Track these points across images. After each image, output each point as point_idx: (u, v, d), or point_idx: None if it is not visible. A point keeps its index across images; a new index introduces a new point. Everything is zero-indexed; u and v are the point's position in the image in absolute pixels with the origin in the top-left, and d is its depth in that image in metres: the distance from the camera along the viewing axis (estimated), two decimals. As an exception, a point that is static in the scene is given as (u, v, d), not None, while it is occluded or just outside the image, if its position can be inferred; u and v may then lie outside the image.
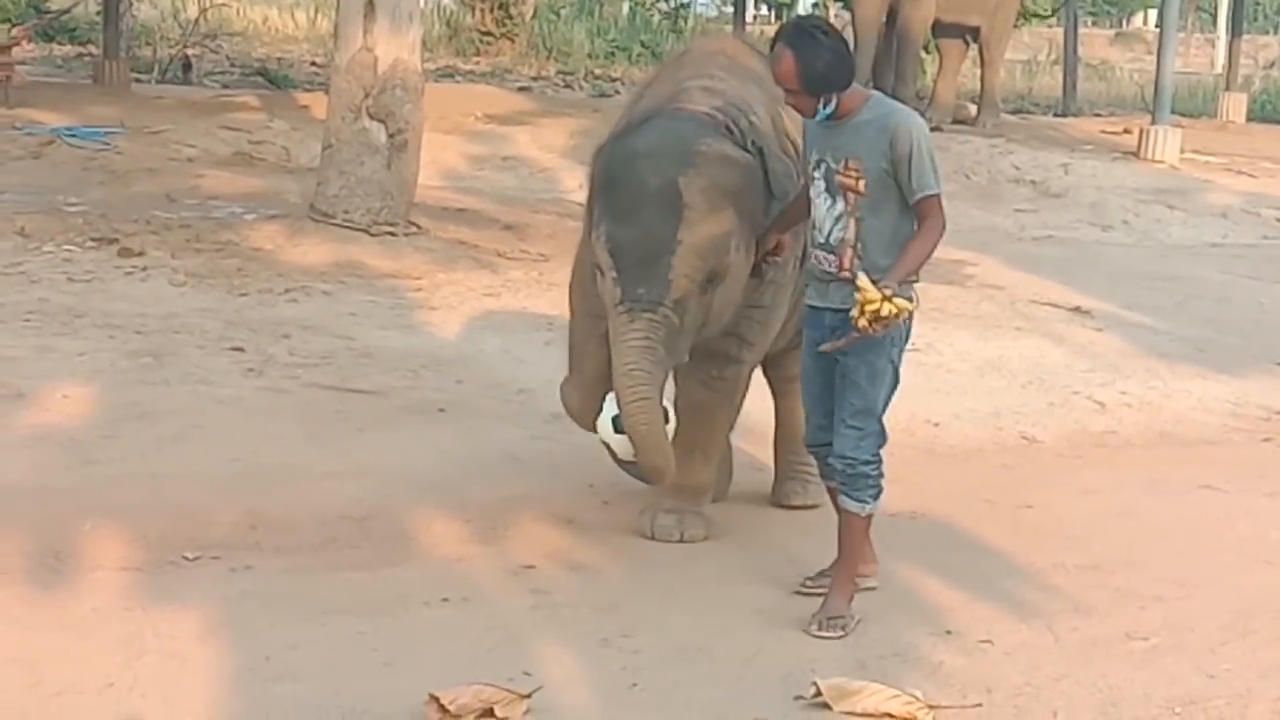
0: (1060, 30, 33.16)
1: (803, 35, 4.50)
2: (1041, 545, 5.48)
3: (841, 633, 4.54)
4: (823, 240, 4.61)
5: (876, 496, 4.69)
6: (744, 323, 5.10)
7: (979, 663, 4.45)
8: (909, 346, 4.76)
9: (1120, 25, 56.86)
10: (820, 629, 4.54)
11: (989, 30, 18.03)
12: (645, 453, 4.74)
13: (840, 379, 4.64)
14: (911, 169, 4.49)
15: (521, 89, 19.34)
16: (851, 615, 4.61)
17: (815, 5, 36.28)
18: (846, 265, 4.54)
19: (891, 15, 17.03)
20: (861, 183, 4.51)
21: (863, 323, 4.36)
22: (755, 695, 4.12)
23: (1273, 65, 35.58)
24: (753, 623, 4.62)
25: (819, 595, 4.73)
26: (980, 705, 4.11)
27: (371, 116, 9.63)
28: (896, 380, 4.73)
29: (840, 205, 4.55)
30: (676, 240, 4.70)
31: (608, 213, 4.80)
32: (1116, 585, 5.13)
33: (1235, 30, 23.82)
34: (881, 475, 4.70)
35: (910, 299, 4.48)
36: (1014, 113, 21.93)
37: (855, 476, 4.64)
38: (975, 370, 8.06)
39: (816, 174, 4.62)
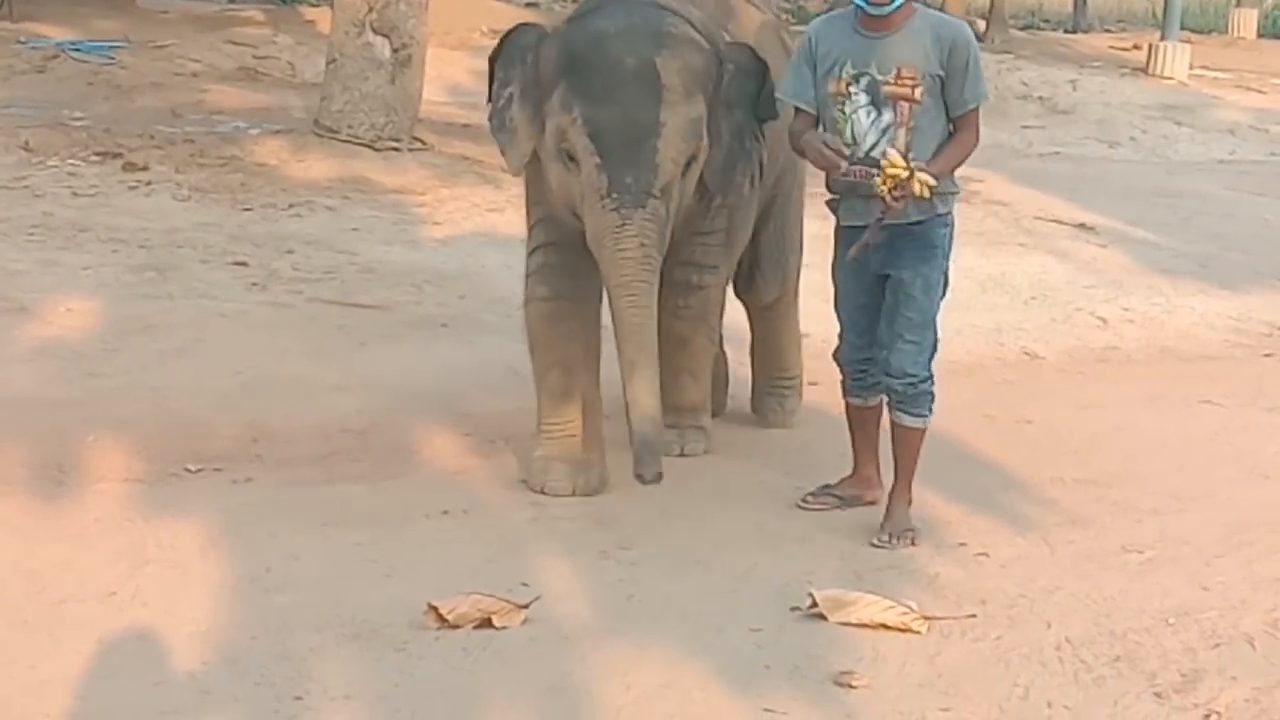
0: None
1: None
2: (1040, 459, 5.50)
3: (911, 545, 4.60)
4: (863, 155, 4.47)
5: (933, 408, 4.72)
6: (699, 250, 4.99)
7: (974, 575, 4.48)
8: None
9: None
10: (892, 541, 4.61)
11: (999, -54, 17.92)
12: (633, 343, 4.51)
13: (892, 295, 4.61)
14: (968, 78, 4.53)
15: (529, 4, 19.23)
16: (915, 527, 4.69)
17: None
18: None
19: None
20: (918, 90, 4.46)
21: (883, 189, 4.35)
22: (751, 606, 4.15)
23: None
24: (750, 536, 4.64)
25: (819, 510, 4.81)
26: (974, 616, 4.14)
27: (376, 31, 9.59)
28: (947, 288, 4.77)
29: (889, 116, 4.46)
30: (660, 122, 4.52)
31: (582, 95, 4.53)
32: (1114, 499, 5.15)
33: (1247, -56, 23.60)
34: (934, 384, 4.73)
35: (951, 191, 4.62)
36: (1024, 29, 21.86)
37: (917, 395, 4.65)
38: (978, 286, 8.05)
39: (854, 88, 4.48)
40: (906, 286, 4.59)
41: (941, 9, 18.20)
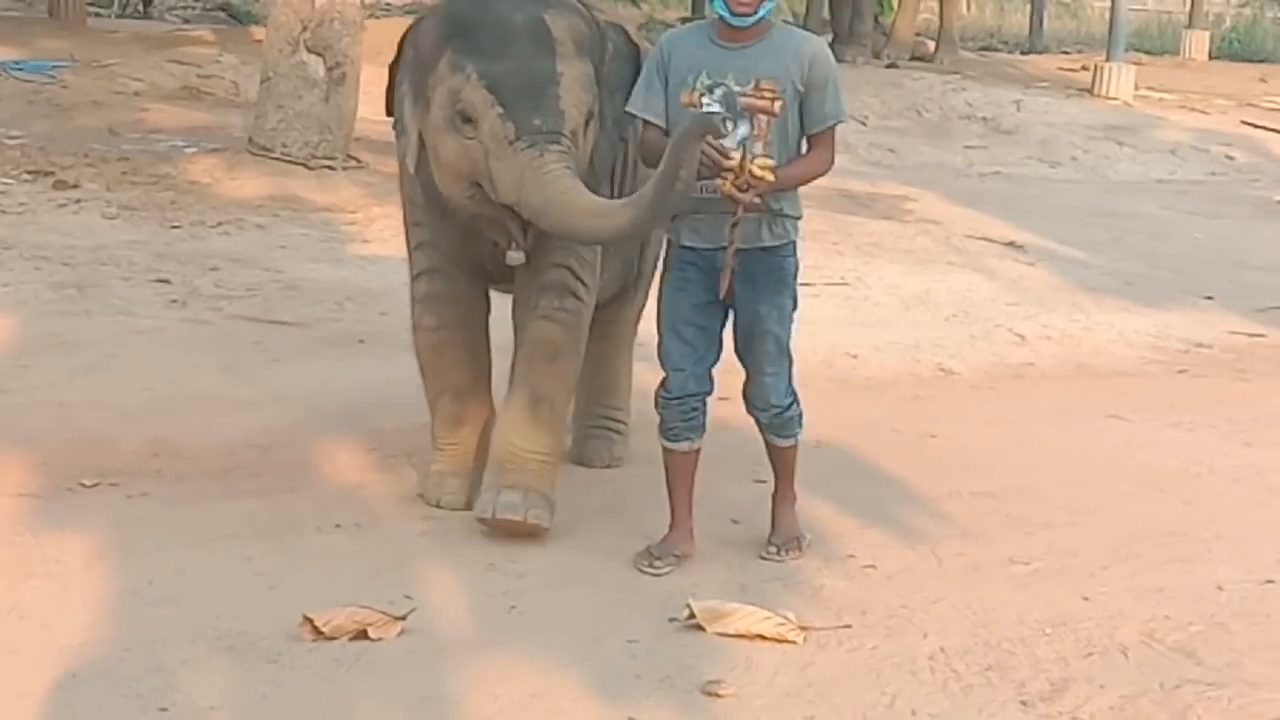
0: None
1: None
2: (941, 474, 5.54)
3: (800, 552, 4.62)
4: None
5: (802, 423, 4.69)
6: (572, 255, 4.70)
7: (860, 586, 4.52)
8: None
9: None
10: (781, 552, 4.61)
11: (948, -33, 18.04)
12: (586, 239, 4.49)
13: (746, 327, 4.50)
14: (828, 94, 4.42)
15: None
16: (804, 534, 4.71)
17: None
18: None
19: (849, -49, 17.07)
20: (777, 103, 4.34)
21: (726, 185, 4.25)
22: (632, 618, 4.18)
23: (1246, 4, 35.65)
24: (639, 548, 4.66)
25: (661, 575, 4.50)
26: (850, 626, 4.18)
27: (309, 50, 9.64)
28: (796, 308, 4.66)
29: (745, 129, 4.32)
30: (558, 71, 4.40)
31: (473, 52, 4.40)
32: (1008, 512, 5.20)
33: (1200, -33, 23.79)
34: (799, 403, 4.66)
35: (796, 215, 4.52)
36: (983, 49, 22.02)
37: (785, 421, 4.60)
38: (901, 304, 8.12)
39: (707, 99, 4.34)
40: (764, 321, 4.48)
41: (891, 29, 18.35)
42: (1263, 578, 4.71)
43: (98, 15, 17.66)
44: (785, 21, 23.11)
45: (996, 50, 22.44)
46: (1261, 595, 4.59)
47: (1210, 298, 8.69)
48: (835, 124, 4.48)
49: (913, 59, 17.78)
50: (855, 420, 6.14)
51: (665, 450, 4.61)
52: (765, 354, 4.51)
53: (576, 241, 4.62)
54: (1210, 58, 22.26)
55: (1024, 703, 3.83)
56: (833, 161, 4.60)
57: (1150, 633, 4.27)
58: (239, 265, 7.73)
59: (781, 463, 4.70)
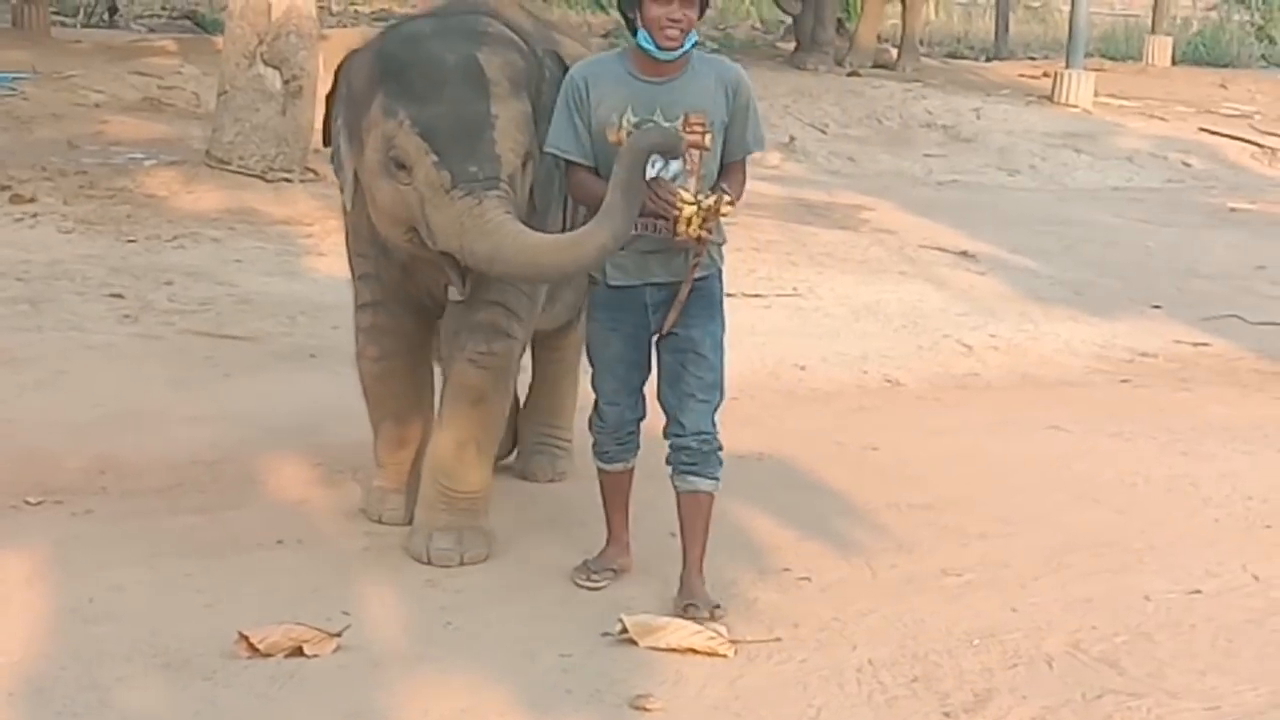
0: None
1: None
2: (880, 485, 5.62)
3: (711, 615, 4.32)
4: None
5: (721, 469, 4.46)
6: (510, 291, 4.61)
7: (793, 598, 4.59)
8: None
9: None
10: (713, 614, 4.34)
11: (910, -25, 18.14)
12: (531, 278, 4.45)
13: (677, 355, 4.39)
14: (749, 121, 4.35)
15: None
16: (718, 602, 4.42)
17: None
18: (684, 229, 4.22)
19: (811, -41, 17.18)
20: (708, 137, 4.25)
21: (689, 229, 4.16)
22: (567, 633, 4.24)
23: (1214, 7, 35.82)
24: (577, 562, 4.72)
25: (596, 589, 4.52)
26: (780, 639, 4.25)
27: (266, 63, 9.68)
28: (724, 332, 4.52)
29: (677, 164, 4.21)
30: (492, 114, 4.29)
31: (404, 96, 4.29)
32: (944, 523, 5.28)
33: (1162, -27, 23.90)
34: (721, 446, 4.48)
35: (722, 242, 4.43)
36: (949, 55, 22.09)
37: (709, 452, 4.40)
38: (851, 314, 8.19)
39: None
40: (697, 345, 4.36)
41: (852, 38, 18.44)
42: (1190, 588, 4.80)
43: (62, 25, 17.68)
44: (754, 28, 23.24)
45: (963, 56, 22.50)
46: (1188, 605, 4.67)
47: (1158, 306, 8.77)
48: (751, 153, 4.42)
49: (875, 66, 17.85)
50: (799, 432, 6.21)
51: (600, 471, 4.63)
52: (699, 379, 4.38)
53: (539, 282, 4.62)
54: (1174, 63, 22.37)
55: (947, 714, 3.91)
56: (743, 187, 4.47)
57: (1076, 643, 4.35)
58: (193, 279, 7.77)
59: (699, 515, 4.43)
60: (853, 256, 9.45)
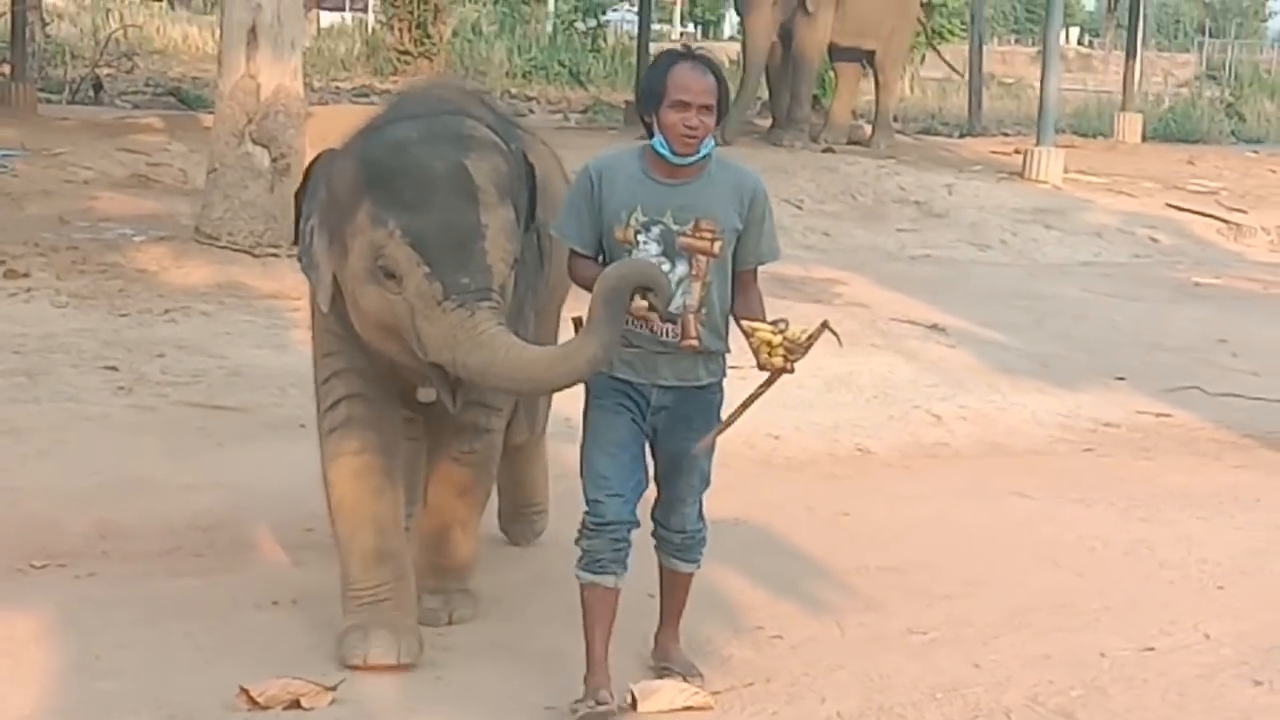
0: (986, 49, 33.82)
1: (712, 60, 4.32)
2: (850, 549, 5.85)
3: (685, 679, 4.45)
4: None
5: (704, 548, 4.56)
6: (489, 390, 4.55)
7: (766, 655, 4.82)
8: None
9: (1042, 43, 57.93)
10: (690, 678, 4.48)
11: (884, 54, 18.49)
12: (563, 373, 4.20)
13: (673, 460, 4.39)
14: (764, 232, 4.35)
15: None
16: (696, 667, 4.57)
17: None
18: (693, 335, 4.28)
19: (787, 38, 17.52)
20: (717, 245, 4.24)
21: (778, 361, 4.20)
22: (552, 688, 4.45)
23: (1185, 84, 36.38)
24: (563, 623, 4.90)
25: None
26: (752, 684, 4.49)
27: (255, 142, 9.95)
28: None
29: (683, 268, 4.23)
30: (482, 224, 4.26)
31: (392, 205, 4.23)
32: (910, 585, 5.51)
33: (1130, 52, 24.37)
34: (707, 528, 4.57)
35: (723, 350, 4.42)
36: (923, 132, 22.46)
37: (695, 545, 4.50)
38: (824, 386, 8.43)
39: (643, 236, 4.25)
40: (691, 458, 4.37)
41: (827, 115, 18.79)
42: (1144, 645, 5.04)
43: (48, 101, 17.95)
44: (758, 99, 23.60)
45: (937, 132, 22.86)
46: (1141, 661, 4.91)
47: (1122, 378, 9.03)
48: (766, 263, 4.41)
49: (850, 142, 18.18)
50: (772, 499, 6.44)
51: (587, 587, 4.36)
52: (690, 487, 4.43)
53: (533, 394, 4.81)
54: (1145, 139, 22.79)
55: (911, 762, 4.14)
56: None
57: (1034, 697, 4.58)
58: (185, 352, 8.00)
59: (678, 591, 4.56)
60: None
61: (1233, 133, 26.37)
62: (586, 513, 4.35)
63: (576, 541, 4.37)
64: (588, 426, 4.41)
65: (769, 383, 4.29)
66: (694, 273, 4.25)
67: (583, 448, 4.41)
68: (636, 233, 4.24)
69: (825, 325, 4.23)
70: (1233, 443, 7.88)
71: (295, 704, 4.21)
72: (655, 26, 30.09)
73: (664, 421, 4.36)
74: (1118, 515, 6.45)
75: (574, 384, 4.23)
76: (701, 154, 4.23)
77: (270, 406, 7.28)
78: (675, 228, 4.24)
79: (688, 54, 4.29)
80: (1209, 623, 5.27)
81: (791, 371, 4.26)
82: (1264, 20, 68.07)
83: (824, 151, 16.98)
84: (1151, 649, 5.03)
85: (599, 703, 4.28)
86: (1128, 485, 6.94)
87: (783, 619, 5.13)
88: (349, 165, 4.39)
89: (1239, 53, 44.67)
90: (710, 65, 4.26)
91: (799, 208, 14.43)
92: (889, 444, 7.53)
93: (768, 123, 18.76)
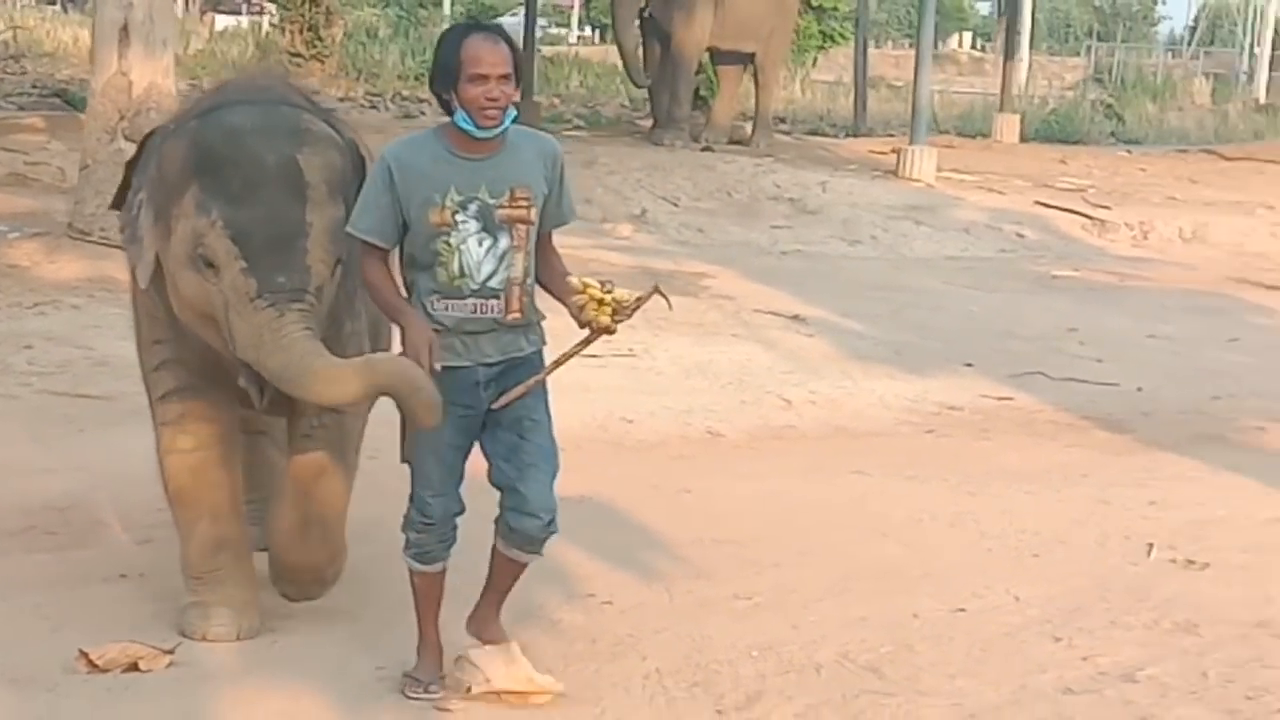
0: (875, 53, 34.30)
1: (502, 29, 4.29)
2: (688, 523, 6.09)
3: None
4: (477, 286, 4.22)
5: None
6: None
7: (595, 619, 5.06)
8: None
9: (935, 47, 58.60)
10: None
11: (763, 56, 18.81)
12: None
13: (512, 428, 4.32)
14: (564, 191, 4.37)
15: (327, 110, 19.68)
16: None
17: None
18: (516, 307, 4.25)
19: (665, 39, 17.82)
20: (533, 211, 4.24)
21: (604, 319, 4.19)
22: (382, 655, 4.62)
23: (1073, 87, 37.04)
24: (397, 593, 5.06)
25: (430, 699, 4.40)
26: (577, 645, 4.78)
27: (127, 138, 10.06)
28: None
29: (505, 241, 4.21)
30: (307, 222, 4.24)
31: (218, 195, 4.21)
32: (742, 555, 5.76)
33: (1008, 55, 24.92)
34: None
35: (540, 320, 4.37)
36: (811, 133, 22.81)
37: (548, 535, 4.39)
38: (683, 373, 8.70)
39: (461, 215, 4.20)
40: (532, 412, 4.33)
41: (709, 116, 19.10)
42: (956, 607, 5.33)
43: (-68, 103, 17.96)
44: (622, 106, 23.77)
45: (824, 133, 23.19)
46: (951, 621, 5.20)
47: (970, 365, 9.35)
48: (569, 221, 4.42)
49: (731, 142, 18.50)
50: (619, 477, 6.68)
51: (417, 574, 4.44)
52: (539, 447, 4.34)
53: (321, 404, 4.41)
54: (1026, 139, 23.28)
55: (720, 712, 4.40)
56: None
57: (845, 654, 4.85)
58: (52, 343, 8.15)
59: (509, 579, 4.49)
60: (690, 320, 9.96)
61: (1112, 133, 26.92)
62: (414, 508, 4.36)
63: (404, 529, 4.40)
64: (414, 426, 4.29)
65: (588, 341, 4.27)
66: (516, 244, 4.23)
67: (405, 444, 4.34)
68: (454, 213, 4.20)
69: (656, 289, 4.29)
70: (1069, 424, 8.21)
71: (133, 667, 4.39)
72: (553, 30, 30.33)
73: (494, 395, 4.30)
74: (948, 491, 6.74)
75: (351, 405, 4.35)
76: (506, 124, 4.20)
77: (133, 394, 7.28)
78: (492, 201, 4.22)
79: (477, 25, 4.31)
80: (1020, 587, 5.56)
81: (612, 332, 4.27)
82: (1153, 25, 69.16)
83: (703, 150, 17.28)
84: (963, 610, 5.31)
85: (429, 693, 4.38)
86: (962, 463, 7.24)
87: (615, 586, 5.36)
88: (180, 147, 4.35)
89: (1128, 57, 45.53)
90: (502, 33, 4.24)
91: (675, 205, 14.72)
92: (739, 427, 7.79)
93: (650, 123, 19.05)
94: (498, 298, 4.23)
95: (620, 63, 19.43)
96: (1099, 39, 55.32)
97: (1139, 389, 8.97)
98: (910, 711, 4.46)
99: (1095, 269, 13.58)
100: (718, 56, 18.83)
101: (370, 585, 5.17)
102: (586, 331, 4.27)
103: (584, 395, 7.66)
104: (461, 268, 4.21)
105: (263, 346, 4.18)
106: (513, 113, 4.25)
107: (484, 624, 4.52)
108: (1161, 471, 7.26)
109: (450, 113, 4.23)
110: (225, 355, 4.38)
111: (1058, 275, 13.10)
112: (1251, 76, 42.63)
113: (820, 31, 27.89)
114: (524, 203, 4.23)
